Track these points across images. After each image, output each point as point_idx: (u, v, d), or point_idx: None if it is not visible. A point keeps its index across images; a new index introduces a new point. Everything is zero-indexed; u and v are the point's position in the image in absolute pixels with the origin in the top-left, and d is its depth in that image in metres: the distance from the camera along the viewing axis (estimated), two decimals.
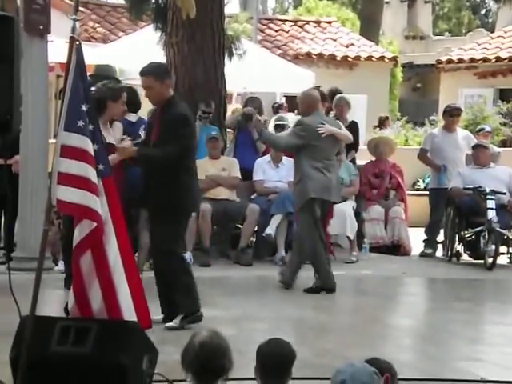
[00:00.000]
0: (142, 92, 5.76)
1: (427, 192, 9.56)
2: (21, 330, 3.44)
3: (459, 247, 8.70)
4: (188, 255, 7.89)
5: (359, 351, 4.49)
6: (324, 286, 6.70)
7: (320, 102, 7.12)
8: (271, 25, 16.97)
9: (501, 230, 8.17)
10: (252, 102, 9.09)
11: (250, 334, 5.14)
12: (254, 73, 10.68)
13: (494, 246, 8.07)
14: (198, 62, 8.93)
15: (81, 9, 13.29)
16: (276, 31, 16.69)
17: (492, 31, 20.90)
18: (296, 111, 9.80)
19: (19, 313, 3.51)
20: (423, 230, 9.30)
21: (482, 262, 8.20)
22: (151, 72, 5.23)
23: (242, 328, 5.39)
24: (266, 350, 2.94)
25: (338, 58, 16.00)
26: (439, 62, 16.72)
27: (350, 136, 7.17)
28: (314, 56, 15.81)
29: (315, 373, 4.23)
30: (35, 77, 7.17)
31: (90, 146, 3.47)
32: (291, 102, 11.85)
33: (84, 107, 3.49)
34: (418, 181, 11.80)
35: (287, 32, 16.72)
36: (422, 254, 9.00)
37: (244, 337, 4.93)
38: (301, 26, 17.06)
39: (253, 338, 4.70)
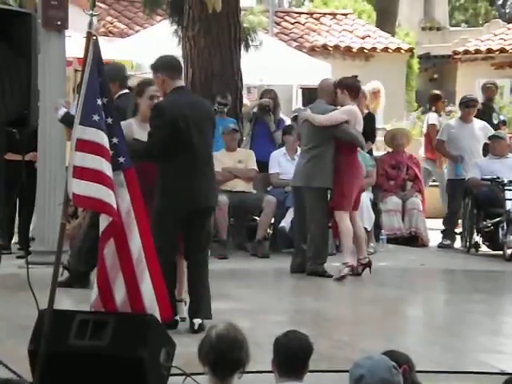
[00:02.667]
0: None
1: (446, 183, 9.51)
2: (39, 324, 3.46)
3: (478, 238, 8.66)
4: None
5: (377, 343, 4.48)
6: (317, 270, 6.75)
7: (326, 91, 7.16)
8: (287, 17, 16.92)
9: None
10: (268, 93, 9.08)
11: (267, 326, 5.14)
12: (270, 65, 10.66)
13: None
14: (214, 55, 8.93)
15: (98, 4, 13.38)
16: (292, 24, 16.64)
17: (509, 22, 20.66)
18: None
19: (37, 307, 3.54)
20: (441, 221, 9.26)
21: (500, 253, 8.16)
22: (152, 67, 5.11)
23: (259, 320, 5.39)
24: (283, 342, 2.93)
25: (355, 50, 15.92)
26: (456, 52, 16.62)
27: (326, 118, 6.96)
28: (330, 48, 15.75)
29: (332, 365, 4.23)
30: (53, 72, 7.21)
31: (105, 140, 3.48)
32: (308, 94, 11.81)
33: (100, 101, 3.50)
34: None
35: (303, 24, 16.66)
36: (441, 245, 8.97)
37: (261, 329, 4.93)
38: (317, 19, 16.99)
39: (270, 330, 4.69)
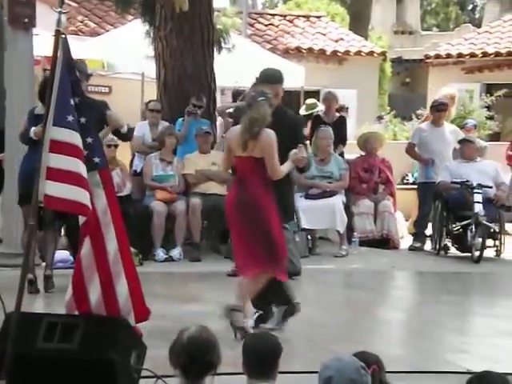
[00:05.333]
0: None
1: (416, 186, 9.59)
2: (6, 327, 3.42)
3: (447, 241, 8.74)
4: (178, 250, 7.90)
5: (348, 345, 4.49)
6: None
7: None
8: (261, 19, 16.93)
9: (487, 224, 8.24)
10: (240, 95, 9.07)
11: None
12: (244, 67, 10.65)
13: (480, 239, 8.13)
14: (186, 56, 8.90)
15: (68, 2, 13.25)
16: (266, 26, 16.65)
17: (479, 27, 20.94)
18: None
19: (4, 309, 3.49)
20: (411, 223, 9.32)
21: (469, 254, 8.24)
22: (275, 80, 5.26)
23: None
24: (251, 343, 2.93)
25: (328, 53, 15.98)
26: (427, 56, 16.77)
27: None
28: (304, 51, 15.79)
29: (304, 367, 4.23)
30: (20, 71, 7.11)
31: (79, 141, 3.45)
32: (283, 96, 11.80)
33: (72, 101, 3.47)
34: (407, 175, 11.82)
35: (277, 26, 16.68)
36: (411, 248, 9.03)
37: (234, 331, 4.92)
38: (290, 21, 17.03)
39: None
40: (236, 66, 10.41)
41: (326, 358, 2.54)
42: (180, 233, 7.95)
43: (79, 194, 3.38)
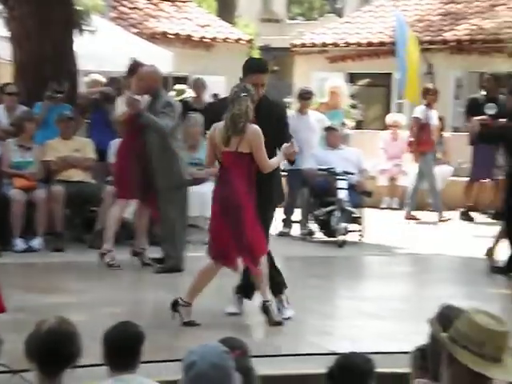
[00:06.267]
0: None
1: (285, 173, 9.72)
2: None
3: (314, 226, 8.93)
4: (38, 240, 7.59)
5: (217, 331, 4.47)
6: (172, 266, 6.70)
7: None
8: (125, 2, 16.49)
9: (351, 209, 8.50)
10: (113, 82, 8.80)
11: (104, 319, 4.96)
12: (109, 51, 10.36)
13: (344, 224, 8.37)
14: (44, 37, 8.49)
15: None
16: (130, 9, 16.26)
17: (342, 16, 21.51)
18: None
19: None
20: (282, 209, 9.44)
21: (334, 239, 8.45)
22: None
23: (96, 313, 5.22)
24: (112, 334, 2.83)
25: (195, 39, 15.88)
26: (293, 45, 17.04)
27: None
28: (171, 36, 15.60)
29: (172, 355, 4.17)
30: None
31: None
32: None
33: None
34: None
35: (142, 10, 16.36)
36: (279, 233, 9.16)
37: (97, 322, 4.75)
38: (155, 4, 16.75)
39: (107, 323, 4.53)
40: (100, 49, 10.10)
41: (194, 345, 2.50)
42: (41, 222, 7.64)
43: None
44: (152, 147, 6.79)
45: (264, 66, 5.35)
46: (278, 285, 5.44)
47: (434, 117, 10.41)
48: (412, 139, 10.37)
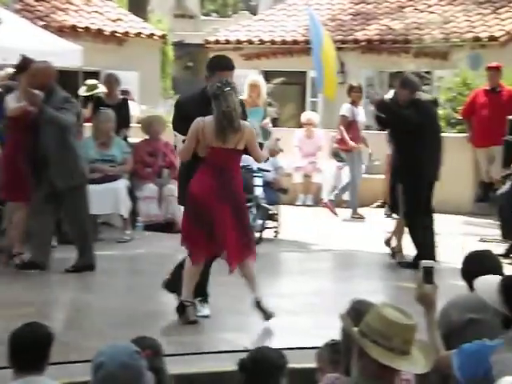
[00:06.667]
0: None
1: None
2: None
3: None
4: None
5: (129, 331, 4.36)
6: (85, 263, 6.54)
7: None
8: None
9: (267, 206, 8.54)
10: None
11: (12, 320, 4.78)
12: (14, 44, 10.00)
13: (261, 221, 8.38)
14: None
15: None
16: (36, 1, 15.78)
17: (255, 14, 21.59)
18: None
19: None
20: None
21: None
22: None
23: (4, 315, 5.02)
24: (17, 334, 2.71)
25: (106, 33, 15.57)
26: (207, 41, 17.01)
27: None
28: (80, 30, 15.23)
29: (82, 356, 4.04)
30: None
31: None
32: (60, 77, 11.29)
33: None
34: None
35: (49, 2, 15.90)
36: None
37: (5, 324, 4.57)
38: None
39: (16, 324, 4.37)
40: (4, 42, 9.73)
41: (103, 345, 2.42)
42: None
43: None
44: (49, 145, 6.53)
45: (231, 63, 5.35)
46: (202, 286, 5.42)
47: (360, 113, 10.54)
48: (339, 137, 10.45)
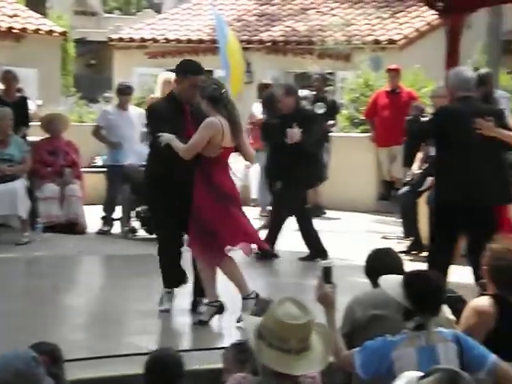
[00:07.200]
0: None
1: (105, 169, 9.48)
2: None
3: (136, 223, 8.76)
4: None
5: (29, 336, 4.20)
6: None
7: None
8: None
9: None
10: None
11: None
12: None
13: None
14: None
15: None
16: None
17: (160, 12, 21.42)
18: None
19: None
20: (101, 207, 9.19)
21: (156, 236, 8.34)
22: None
23: None
24: None
25: (3, 29, 15.03)
26: (111, 39, 16.75)
27: None
28: None
29: None
30: None
31: None
32: None
33: None
34: (96, 158, 11.66)
35: None
36: (99, 232, 8.90)
37: None
38: None
39: None
40: None
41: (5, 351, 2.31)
42: None
43: None
44: None
45: (201, 68, 5.51)
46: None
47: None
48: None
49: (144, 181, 5.77)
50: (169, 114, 5.15)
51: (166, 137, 5.11)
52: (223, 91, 5.16)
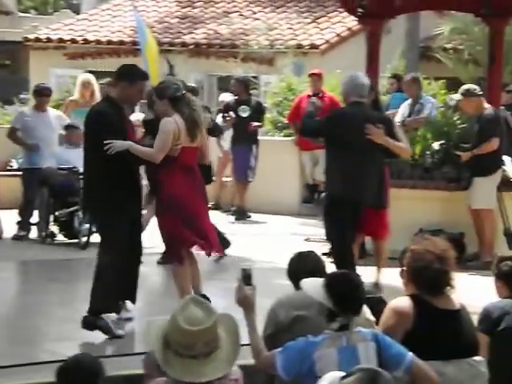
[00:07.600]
0: None
1: (21, 172, 9.21)
2: None
3: (54, 227, 8.54)
4: None
5: None
6: None
7: None
8: None
9: None
10: None
11: None
12: None
13: (88, 225, 8.10)
14: None
15: None
16: None
17: (78, 13, 21.02)
18: None
19: None
20: (17, 211, 8.91)
21: (77, 241, 8.15)
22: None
23: None
24: None
25: None
26: (27, 39, 16.34)
27: None
28: None
29: None
30: None
31: None
32: None
33: None
34: (11, 161, 11.32)
35: None
36: (15, 237, 8.63)
37: None
38: None
39: None
40: None
41: None
42: None
43: None
44: None
45: (146, 73, 5.56)
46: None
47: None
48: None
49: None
50: (117, 120, 5.11)
51: (119, 143, 5.00)
52: (184, 91, 5.26)
